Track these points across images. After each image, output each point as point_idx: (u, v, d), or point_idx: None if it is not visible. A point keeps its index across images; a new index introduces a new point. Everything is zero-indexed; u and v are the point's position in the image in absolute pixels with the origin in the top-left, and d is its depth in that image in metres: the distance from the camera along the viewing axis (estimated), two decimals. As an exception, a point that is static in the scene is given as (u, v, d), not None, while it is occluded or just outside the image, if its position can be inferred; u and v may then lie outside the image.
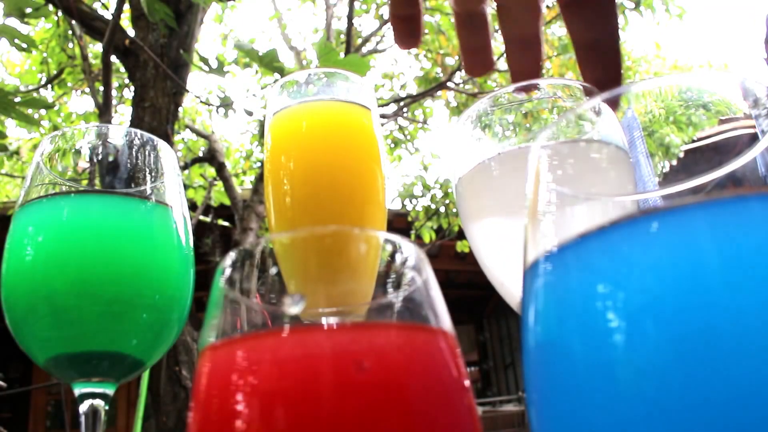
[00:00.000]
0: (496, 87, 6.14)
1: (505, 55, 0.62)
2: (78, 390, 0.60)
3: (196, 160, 5.00)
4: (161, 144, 0.69)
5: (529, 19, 0.58)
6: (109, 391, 0.61)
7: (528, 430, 0.32)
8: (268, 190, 0.62)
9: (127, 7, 3.42)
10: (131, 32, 3.47)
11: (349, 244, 0.37)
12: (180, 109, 3.55)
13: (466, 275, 9.60)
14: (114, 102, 4.42)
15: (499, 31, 0.61)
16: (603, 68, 0.58)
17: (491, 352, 11.28)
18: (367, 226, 0.60)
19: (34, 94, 4.35)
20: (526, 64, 0.61)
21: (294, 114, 0.63)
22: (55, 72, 5.05)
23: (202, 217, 4.80)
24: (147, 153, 0.68)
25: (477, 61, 0.63)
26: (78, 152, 0.68)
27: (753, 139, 0.30)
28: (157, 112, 3.23)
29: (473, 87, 5.99)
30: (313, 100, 0.64)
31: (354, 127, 0.63)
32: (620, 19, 5.80)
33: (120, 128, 0.70)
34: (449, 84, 5.42)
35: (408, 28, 0.62)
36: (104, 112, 3.09)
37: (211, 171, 5.48)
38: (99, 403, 0.60)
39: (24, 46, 1.77)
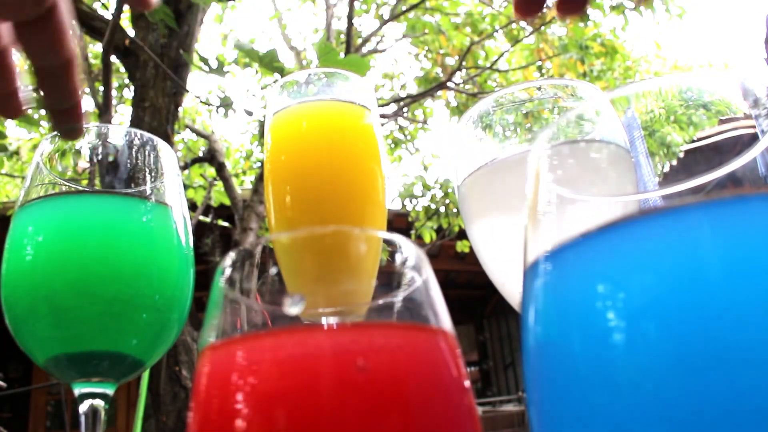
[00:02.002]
0: (496, 87, 6.14)
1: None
2: (78, 390, 0.60)
3: (196, 160, 5.00)
4: (161, 144, 0.69)
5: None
6: (109, 391, 0.61)
7: (528, 430, 0.32)
8: (268, 190, 0.62)
9: (127, 7, 3.42)
10: (131, 32, 3.47)
11: (349, 244, 0.37)
12: (180, 109, 3.55)
13: (466, 275, 9.60)
14: (114, 102, 4.42)
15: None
16: (59, 97, 0.57)
17: (491, 352, 11.28)
18: (367, 226, 0.60)
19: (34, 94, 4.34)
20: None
21: (294, 114, 0.63)
22: (55, 72, 5.04)
23: (202, 217, 4.80)
24: (147, 153, 0.68)
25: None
26: (78, 152, 0.68)
27: (753, 139, 0.30)
28: (157, 112, 3.23)
29: (473, 87, 5.99)
30: (313, 100, 0.64)
31: (354, 127, 0.63)
32: (621, 18, 5.79)
33: (120, 128, 0.70)
34: (449, 84, 5.42)
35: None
36: (104, 112, 3.09)
37: (211, 171, 5.48)
38: (99, 403, 0.60)
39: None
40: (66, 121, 0.59)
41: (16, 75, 0.58)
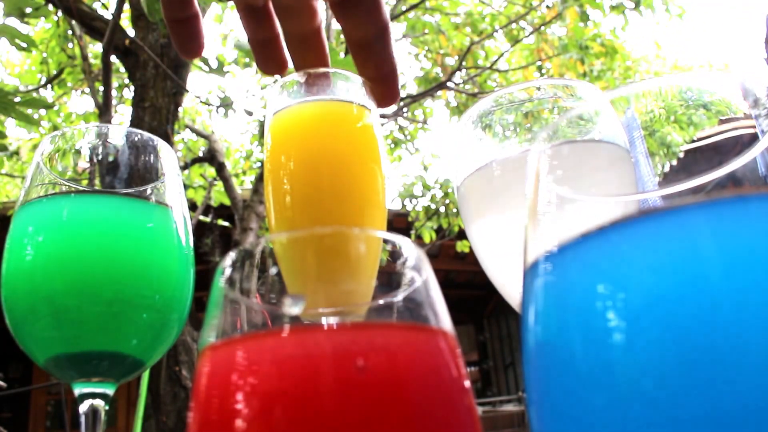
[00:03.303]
0: (496, 87, 6.14)
1: (292, 55, 0.62)
2: (78, 390, 0.60)
3: (196, 160, 5.00)
4: (161, 144, 0.69)
5: (307, 16, 0.59)
6: (109, 391, 0.61)
7: (528, 430, 0.32)
8: (268, 190, 0.62)
9: (127, 7, 3.42)
10: (131, 32, 3.47)
11: (349, 244, 0.37)
12: (180, 109, 3.55)
13: (466, 275, 9.60)
14: (114, 102, 4.42)
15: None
16: (375, 65, 0.60)
17: (491, 352, 11.28)
18: (367, 226, 0.60)
19: (34, 94, 4.35)
20: (311, 63, 0.62)
21: (294, 114, 0.63)
22: (55, 72, 5.06)
23: (202, 217, 4.80)
24: (147, 153, 0.68)
25: (268, 56, 0.63)
26: (78, 152, 0.68)
27: (753, 139, 0.30)
28: (157, 112, 3.23)
29: (473, 87, 5.99)
30: (313, 100, 0.64)
31: (354, 127, 0.63)
32: (621, 18, 5.79)
33: (120, 128, 0.70)
34: (449, 84, 5.42)
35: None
36: (104, 112, 3.09)
37: (211, 171, 5.48)
38: (99, 403, 0.60)
39: (24, 45, 1.77)
40: (382, 91, 0.62)
41: (327, 52, 0.61)
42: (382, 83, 0.62)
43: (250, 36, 0.63)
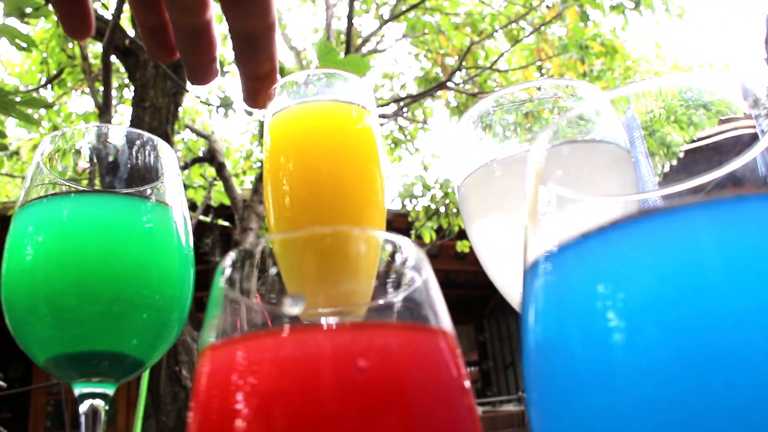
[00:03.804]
0: (496, 87, 6.14)
1: (179, 47, 0.61)
2: (78, 390, 0.60)
3: (196, 160, 5.00)
4: (161, 144, 0.69)
5: (197, 9, 0.57)
6: (109, 391, 0.61)
7: (528, 430, 0.32)
8: (268, 190, 0.62)
9: (127, 7, 3.42)
10: (131, 32, 3.47)
11: (349, 244, 0.37)
12: (180, 109, 3.55)
13: (466, 275, 9.60)
14: (114, 102, 4.42)
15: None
16: (257, 62, 0.60)
17: (491, 352, 11.28)
18: (367, 226, 0.60)
19: (34, 94, 4.35)
20: (199, 56, 0.61)
21: (293, 114, 0.63)
22: (55, 72, 5.06)
23: (202, 217, 4.80)
24: (147, 153, 0.68)
25: (157, 44, 0.63)
26: (78, 152, 0.68)
27: (753, 139, 0.30)
28: (157, 112, 3.23)
29: (473, 87, 5.99)
30: (313, 101, 0.64)
31: (353, 128, 0.63)
32: (621, 18, 5.80)
33: (120, 128, 0.70)
34: (449, 84, 5.42)
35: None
36: (104, 112, 3.09)
37: (211, 171, 5.48)
38: (99, 403, 0.60)
39: (24, 45, 1.77)
40: (258, 89, 0.62)
41: (215, 46, 0.61)
42: (259, 81, 0.62)
43: (139, 23, 0.63)
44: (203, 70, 0.62)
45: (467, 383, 0.33)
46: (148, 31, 0.62)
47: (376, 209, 0.62)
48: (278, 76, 0.63)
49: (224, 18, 0.60)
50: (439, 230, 6.00)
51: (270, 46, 0.59)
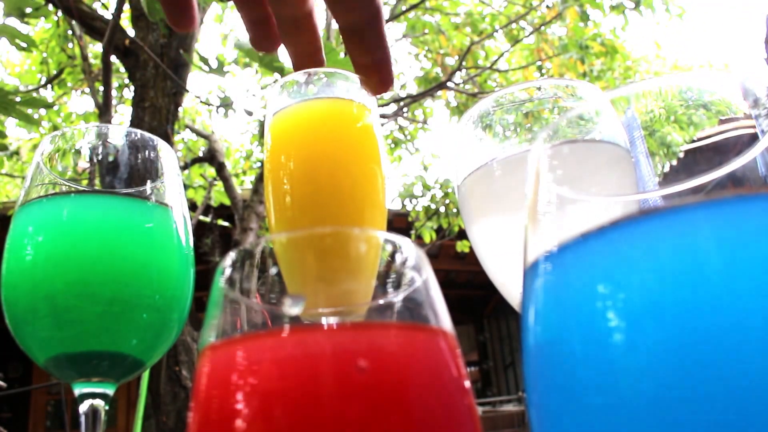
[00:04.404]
0: (496, 87, 6.14)
1: (283, 38, 0.62)
2: (78, 390, 0.60)
3: (196, 160, 5.00)
4: (161, 144, 0.69)
5: (298, 1, 0.58)
6: (109, 391, 0.61)
7: (528, 430, 0.32)
8: (268, 190, 0.62)
9: (127, 7, 3.42)
10: (131, 32, 3.47)
11: (349, 244, 0.37)
12: (180, 109, 3.55)
13: (466, 275, 9.60)
14: (114, 102, 4.42)
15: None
16: (367, 51, 0.60)
17: (491, 352, 11.28)
18: (367, 226, 0.60)
19: (34, 94, 4.35)
20: (303, 46, 0.62)
21: (294, 114, 0.63)
22: (55, 72, 5.06)
23: (202, 217, 4.80)
24: (147, 153, 0.68)
25: (262, 35, 0.63)
26: (78, 152, 0.68)
27: (753, 139, 0.30)
28: (157, 112, 3.23)
29: (473, 87, 5.99)
30: (313, 100, 0.64)
31: (354, 127, 0.63)
32: (621, 18, 5.79)
33: (120, 128, 0.70)
34: (449, 84, 5.42)
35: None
36: (104, 112, 3.09)
37: (211, 171, 5.48)
38: (99, 403, 0.60)
39: (24, 45, 1.77)
40: (374, 77, 0.62)
41: (318, 35, 0.62)
42: (375, 70, 0.62)
43: (244, 16, 0.63)
44: (309, 59, 0.63)
45: (467, 383, 0.33)
46: (251, 24, 0.63)
47: (377, 209, 0.61)
48: (392, 62, 0.63)
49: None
50: (439, 230, 6.00)
51: (377, 35, 0.59)
